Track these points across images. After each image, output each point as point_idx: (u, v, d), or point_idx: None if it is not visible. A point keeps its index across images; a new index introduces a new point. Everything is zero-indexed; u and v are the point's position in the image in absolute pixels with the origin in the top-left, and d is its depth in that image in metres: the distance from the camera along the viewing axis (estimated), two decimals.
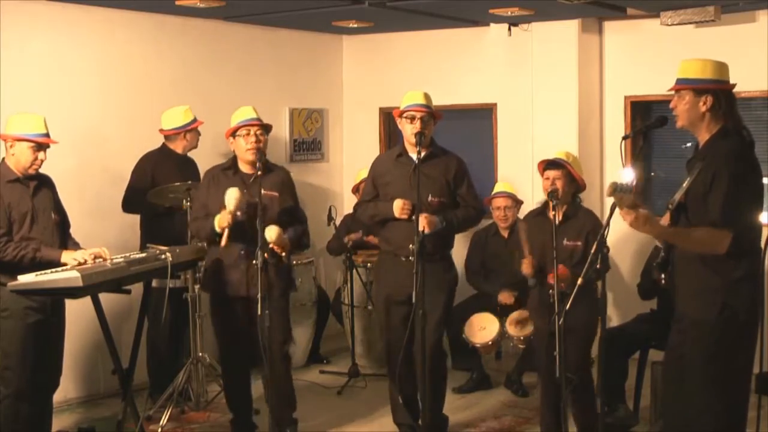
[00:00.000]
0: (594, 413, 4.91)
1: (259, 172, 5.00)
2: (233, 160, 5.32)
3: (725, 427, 3.91)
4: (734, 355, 3.88)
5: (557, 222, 4.93)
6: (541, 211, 5.22)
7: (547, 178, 5.11)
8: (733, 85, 3.96)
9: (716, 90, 3.90)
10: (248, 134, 5.17)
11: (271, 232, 4.98)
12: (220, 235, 5.03)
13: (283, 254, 5.13)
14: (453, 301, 5.53)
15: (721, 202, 3.76)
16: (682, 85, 3.95)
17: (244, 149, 5.18)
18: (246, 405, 5.46)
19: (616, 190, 3.71)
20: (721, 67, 3.96)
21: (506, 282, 6.52)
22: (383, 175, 5.36)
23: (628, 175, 3.75)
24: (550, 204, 4.98)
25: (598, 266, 4.04)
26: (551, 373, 4.69)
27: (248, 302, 5.14)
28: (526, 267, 5.06)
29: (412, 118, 5.15)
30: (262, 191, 5.01)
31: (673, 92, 4.00)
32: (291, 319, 5.53)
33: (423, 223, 4.99)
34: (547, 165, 5.16)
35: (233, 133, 5.22)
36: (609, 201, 7.14)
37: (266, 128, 5.27)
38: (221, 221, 5.03)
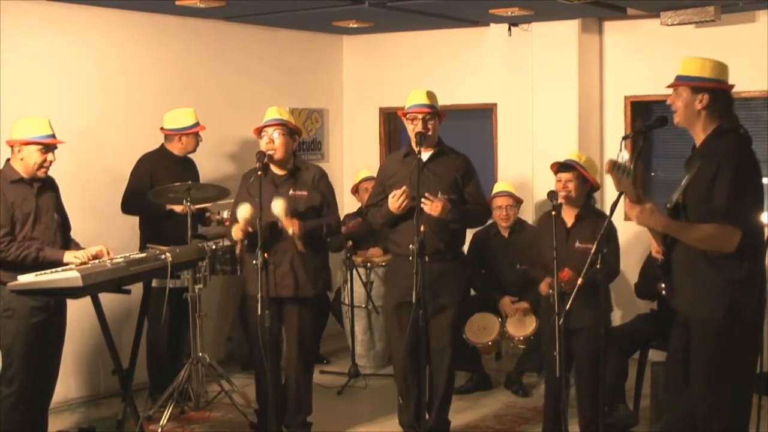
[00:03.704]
0: (596, 410, 4.95)
1: (259, 172, 5.02)
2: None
3: (729, 427, 3.91)
4: (740, 356, 3.87)
5: (564, 224, 4.94)
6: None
7: (560, 180, 5.12)
8: (732, 86, 3.96)
9: (713, 89, 3.89)
10: (266, 134, 5.24)
11: (277, 205, 4.99)
12: (236, 243, 5.20)
13: (292, 231, 5.06)
14: (468, 299, 5.52)
15: (727, 197, 3.73)
16: (679, 82, 3.94)
17: (264, 149, 5.23)
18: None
19: (614, 167, 3.67)
20: (721, 68, 3.95)
21: (504, 283, 6.52)
22: (391, 175, 5.36)
23: (625, 155, 3.71)
24: (561, 205, 4.98)
25: (597, 266, 4.04)
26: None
27: (274, 301, 5.13)
28: (544, 287, 5.05)
29: (414, 118, 5.17)
30: (291, 191, 5.17)
31: (671, 89, 4.00)
32: None
33: (438, 207, 4.97)
34: (560, 167, 5.16)
35: (260, 134, 5.30)
36: (609, 200, 7.13)
37: (288, 128, 5.27)
38: (234, 233, 5.16)
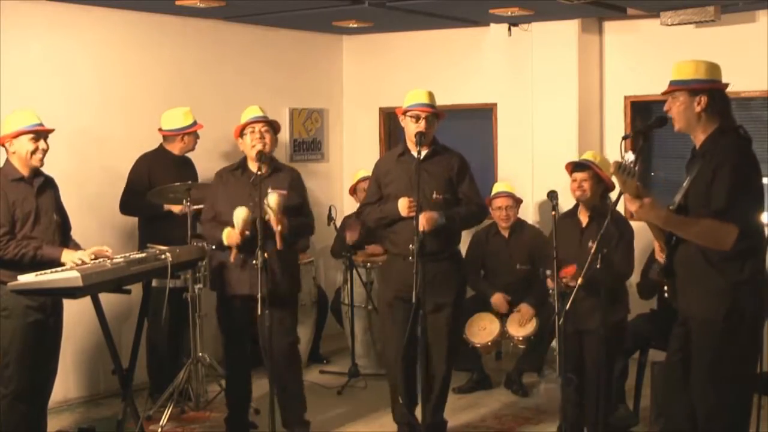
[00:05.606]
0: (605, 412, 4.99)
1: (260, 172, 5.01)
2: (243, 161, 5.36)
3: (730, 428, 3.91)
4: (740, 357, 3.87)
5: (579, 224, 4.95)
6: (571, 213, 5.21)
7: (575, 180, 5.13)
8: (726, 85, 3.96)
9: (711, 89, 3.89)
10: (253, 131, 5.22)
11: (273, 199, 4.97)
12: (230, 248, 5.11)
13: (279, 227, 5.01)
14: (463, 300, 5.52)
15: (725, 195, 3.73)
16: (676, 86, 3.94)
17: (249, 147, 5.22)
18: (244, 403, 5.46)
19: (620, 169, 3.66)
20: (714, 68, 3.95)
21: (504, 283, 6.51)
22: (386, 174, 5.36)
23: (630, 156, 3.70)
24: (580, 205, 5.00)
25: (598, 266, 4.04)
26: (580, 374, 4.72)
27: (252, 301, 5.13)
28: (550, 282, 5.04)
29: (417, 118, 5.16)
30: (270, 189, 5.07)
31: (666, 95, 3.99)
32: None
33: (422, 221, 4.98)
34: (575, 167, 5.17)
35: (241, 133, 5.26)
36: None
37: (273, 127, 5.30)
38: (229, 238, 5.09)
